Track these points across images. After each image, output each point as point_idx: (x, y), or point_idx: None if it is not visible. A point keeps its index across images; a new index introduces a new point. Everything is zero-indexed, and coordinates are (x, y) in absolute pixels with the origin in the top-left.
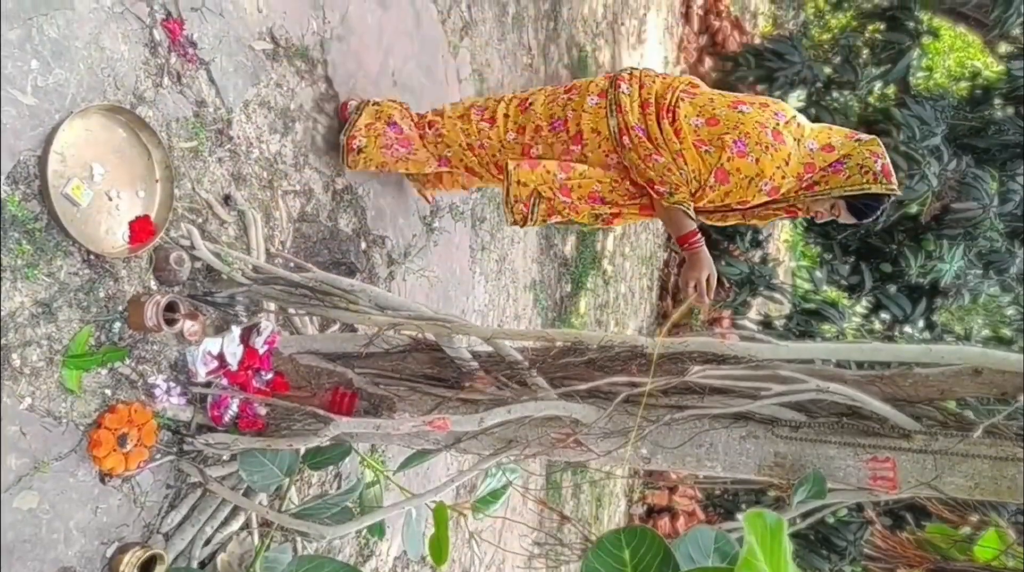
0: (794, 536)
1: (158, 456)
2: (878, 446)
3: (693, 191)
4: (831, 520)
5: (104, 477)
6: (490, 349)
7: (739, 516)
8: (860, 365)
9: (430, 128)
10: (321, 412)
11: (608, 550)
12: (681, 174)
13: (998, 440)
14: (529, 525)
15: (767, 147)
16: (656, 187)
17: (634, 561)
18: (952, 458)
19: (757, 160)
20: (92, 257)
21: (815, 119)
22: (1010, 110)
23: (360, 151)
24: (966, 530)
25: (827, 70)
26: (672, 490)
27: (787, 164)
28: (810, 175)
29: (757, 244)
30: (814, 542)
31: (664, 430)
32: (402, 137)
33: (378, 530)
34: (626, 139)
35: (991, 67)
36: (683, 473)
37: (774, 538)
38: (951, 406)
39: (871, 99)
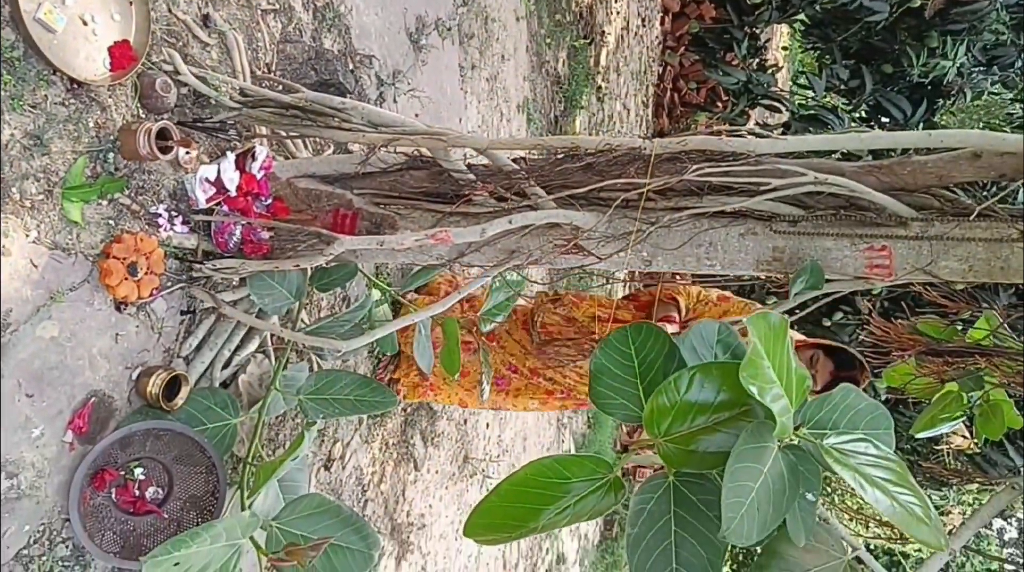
0: None
1: (169, 284)
2: (874, 235)
3: (691, 305)
4: (827, 323)
5: (119, 305)
6: (487, 161)
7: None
8: (859, 158)
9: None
10: (324, 232)
11: (615, 347)
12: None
13: (993, 222)
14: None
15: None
16: (670, 293)
17: (640, 357)
18: (947, 243)
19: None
20: (75, 86)
21: None
22: None
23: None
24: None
25: None
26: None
27: None
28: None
29: (755, 52)
30: None
31: (664, 232)
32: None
33: (390, 346)
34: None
35: None
36: (682, 280)
37: (777, 338)
38: (948, 193)
39: None
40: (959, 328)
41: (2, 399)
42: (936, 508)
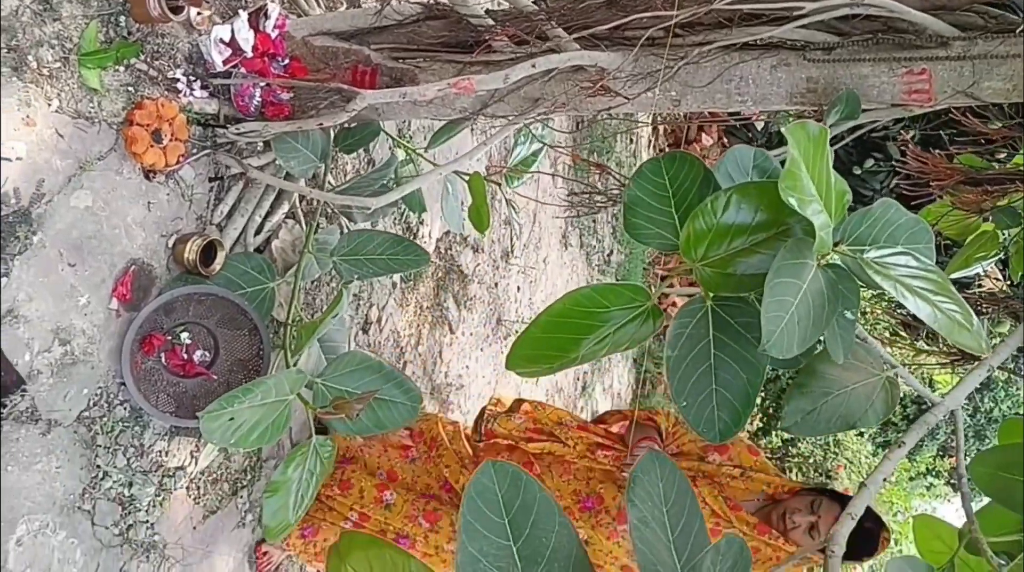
0: None
1: (195, 151)
2: (914, 59)
3: (670, 428)
4: (858, 171)
5: (148, 174)
6: (505, 5)
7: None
8: None
9: None
10: (345, 87)
11: (648, 177)
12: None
13: None
14: (563, 177)
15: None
16: (646, 414)
17: (674, 186)
18: (991, 62)
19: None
20: None
21: None
22: None
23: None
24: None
25: None
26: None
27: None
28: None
29: None
30: None
31: (692, 68)
32: None
33: (418, 205)
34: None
35: None
36: (712, 133)
37: (817, 149)
38: (993, 8)
39: None
40: (997, 160)
41: (46, 269)
42: (967, 352)
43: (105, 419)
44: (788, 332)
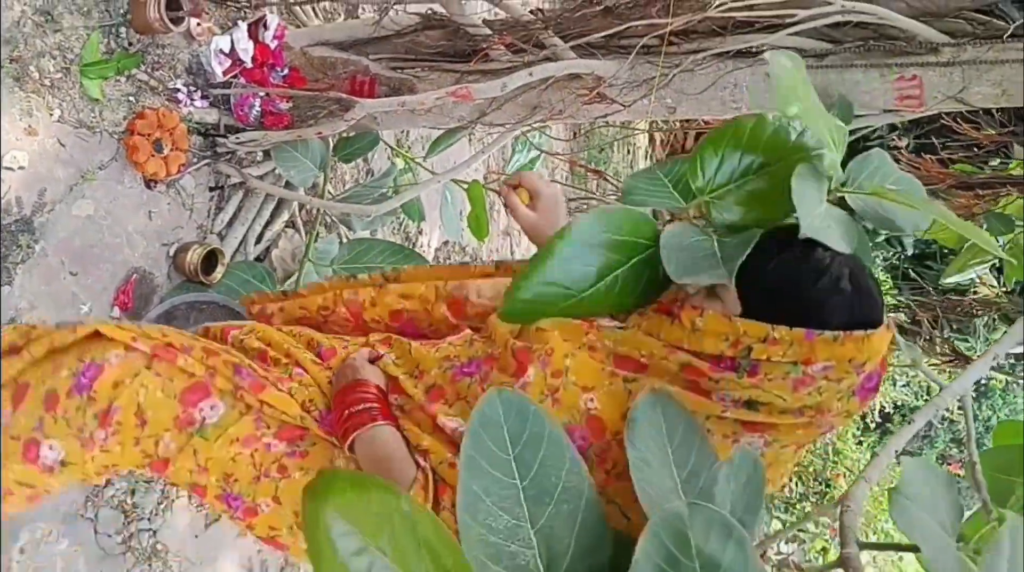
0: None
1: (195, 160)
2: (905, 64)
3: None
4: None
5: (149, 183)
6: (502, 14)
7: None
8: None
9: None
10: (344, 96)
11: (644, 174)
12: None
13: None
14: (561, 185)
15: None
16: None
17: (670, 177)
18: (980, 67)
19: None
20: None
21: None
22: None
23: None
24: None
25: None
26: None
27: None
28: None
29: None
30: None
31: (687, 76)
32: None
33: (417, 214)
34: None
35: None
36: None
37: (799, 75)
38: (980, 15)
39: None
40: (989, 164)
41: (48, 277)
42: (964, 355)
43: None
44: (825, 224)
